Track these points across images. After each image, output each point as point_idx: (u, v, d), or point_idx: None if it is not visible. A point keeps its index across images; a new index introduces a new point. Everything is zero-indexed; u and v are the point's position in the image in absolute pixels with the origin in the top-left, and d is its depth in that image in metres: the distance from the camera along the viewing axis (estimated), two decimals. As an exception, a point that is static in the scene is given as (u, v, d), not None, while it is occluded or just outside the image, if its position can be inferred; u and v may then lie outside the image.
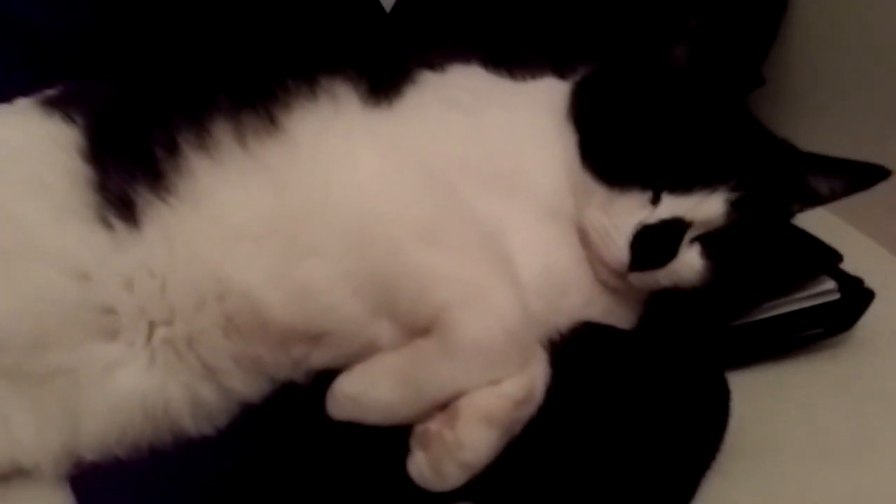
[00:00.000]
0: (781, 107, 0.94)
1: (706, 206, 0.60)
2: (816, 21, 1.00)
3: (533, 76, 0.74)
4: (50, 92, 0.66)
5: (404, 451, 0.53)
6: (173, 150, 0.58)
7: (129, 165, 0.57)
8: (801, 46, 1.01)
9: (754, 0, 1.02)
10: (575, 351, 0.59)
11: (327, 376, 0.57)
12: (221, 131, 0.59)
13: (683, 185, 0.60)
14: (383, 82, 0.64)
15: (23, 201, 0.55)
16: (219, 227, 0.57)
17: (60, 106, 0.62)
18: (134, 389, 0.56)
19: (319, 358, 0.58)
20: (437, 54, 0.79)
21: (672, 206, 0.60)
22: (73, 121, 0.60)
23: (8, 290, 0.53)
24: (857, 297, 0.70)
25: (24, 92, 0.68)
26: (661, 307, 0.65)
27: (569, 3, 1.00)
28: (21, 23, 0.86)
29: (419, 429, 0.52)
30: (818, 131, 0.83)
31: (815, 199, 0.66)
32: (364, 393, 0.54)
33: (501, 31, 1.02)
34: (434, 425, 0.51)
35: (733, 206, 0.60)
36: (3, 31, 0.86)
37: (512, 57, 0.82)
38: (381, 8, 1.06)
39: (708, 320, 0.66)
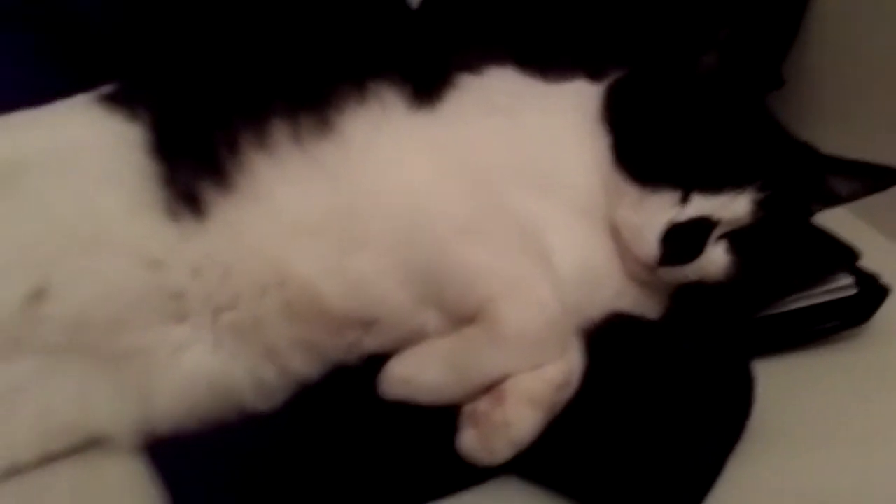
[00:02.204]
0: (800, 107, 0.97)
1: (733, 206, 0.63)
2: (835, 23, 1.02)
3: (562, 75, 0.78)
4: (105, 89, 0.69)
5: (451, 429, 0.58)
6: (235, 148, 0.62)
7: (194, 163, 0.61)
8: (819, 48, 1.03)
9: (775, 2, 1.06)
10: (607, 339, 0.63)
11: (378, 359, 0.61)
12: (279, 131, 0.63)
13: (712, 186, 0.63)
14: (426, 86, 0.68)
15: (98, 195, 0.59)
16: (277, 221, 0.61)
17: (121, 104, 0.65)
18: (201, 369, 0.60)
19: (371, 342, 0.62)
20: (466, 52, 0.83)
21: (701, 206, 0.63)
22: (136, 119, 0.64)
23: (88, 277, 0.57)
24: (872, 292, 0.73)
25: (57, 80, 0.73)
26: (687, 299, 0.69)
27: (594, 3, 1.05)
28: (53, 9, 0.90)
29: (468, 409, 0.57)
30: (836, 132, 0.85)
31: (835, 200, 0.69)
32: (415, 376, 0.58)
33: (526, 28, 1.06)
34: (483, 406, 0.56)
35: (758, 205, 0.63)
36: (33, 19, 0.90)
37: (538, 54, 0.86)
38: (407, 5, 1.10)
39: (733, 312, 0.69)
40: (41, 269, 0.57)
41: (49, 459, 0.57)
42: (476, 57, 0.76)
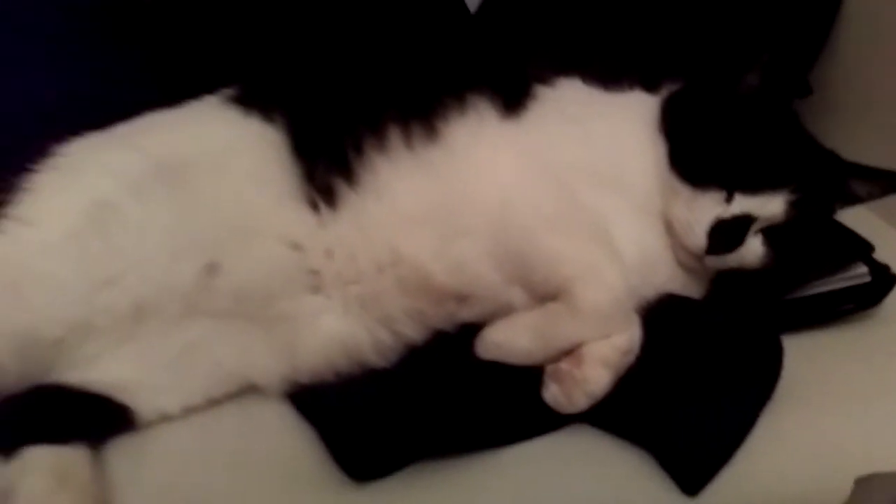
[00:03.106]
0: (826, 114, 1.06)
1: (770, 205, 0.74)
2: (861, 35, 1.10)
3: (620, 86, 0.89)
4: (229, 91, 0.81)
5: (534, 384, 0.70)
6: (360, 151, 0.75)
7: (328, 162, 0.74)
8: (845, 58, 1.12)
9: (805, 16, 1.14)
10: (661, 315, 0.75)
11: (471, 328, 0.74)
12: (395, 137, 0.75)
13: (752, 188, 0.74)
14: (513, 98, 0.80)
15: (253, 190, 0.72)
16: (393, 212, 0.74)
17: (255, 107, 0.77)
18: (333, 332, 0.73)
19: (466, 313, 0.75)
20: (538, 65, 0.94)
21: (742, 204, 0.74)
22: (272, 122, 0.76)
23: (248, 257, 0.71)
24: (884, 280, 0.82)
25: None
26: (726, 284, 0.80)
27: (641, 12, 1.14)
28: None
29: (551, 368, 0.69)
30: (860, 137, 0.95)
31: (854, 200, 0.80)
32: (508, 341, 0.71)
33: (580, 32, 1.16)
34: (564, 366, 0.68)
35: (791, 205, 0.74)
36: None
37: (589, 59, 0.97)
38: (466, 9, 1.18)
39: (765, 295, 0.80)
40: (212, 250, 0.70)
41: (214, 403, 0.71)
42: (548, 70, 0.89)
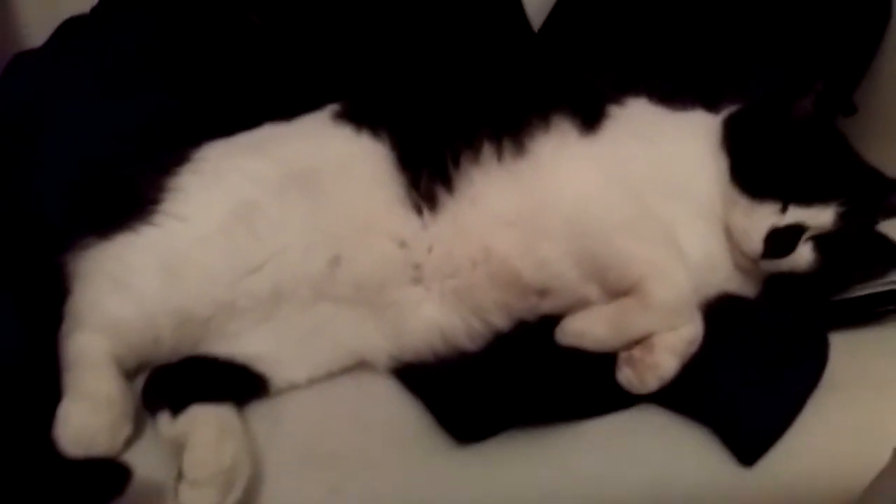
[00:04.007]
0: (870, 132, 1.12)
1: (821, 217, 0.82)
2: None
3: (683, 105, 0.99)
4: (335, 107, 0.92)
5: (609, 367, 0.80)
6: (457, 163, 0.86)
7: (430, 173, 0.85)
8: (890, 78, 1.20)
9: (852, 38, 1.20)
10: (720, 311, 0.84)
11: (550, 319, 0.84)
12: (488, 151, 0.86)
13: (805, 200, 0.83)
14: (590, 118, 0.90)
15: (369, 196, 0.84)
16: (486, 216, 0.85)
17: (364, 124, 0.88)
18: (432, 318, 0.84)
19: (546, 306, 0.85)
20: (609, 86, 1.04)
21: (795, 215, 0.83)
22: (379, 138, 0.87)
23: (364, 252, 0.83)
24: None
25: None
26: (777, 285, 0.89)
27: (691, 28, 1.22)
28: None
29: (624, 354, 0.79)
30: None
31: (895, 213, 0.89)
32: (586, 329, 0.81)
33: (637, 52, 1.26)
34: (637, 353, 0.78)
35: (839, 216, 0.83)
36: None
37: (646, 81, 1.06)
38: (530, 28, 1.27)
39: (813, 296, 0.88)
40: (337, 245, 0.82)
41: (333, 376, 0.83)
42: (618, 89, 0.99)
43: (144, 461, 0.69)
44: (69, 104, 0.98)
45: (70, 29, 1.18)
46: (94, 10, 1.20)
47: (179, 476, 0.67)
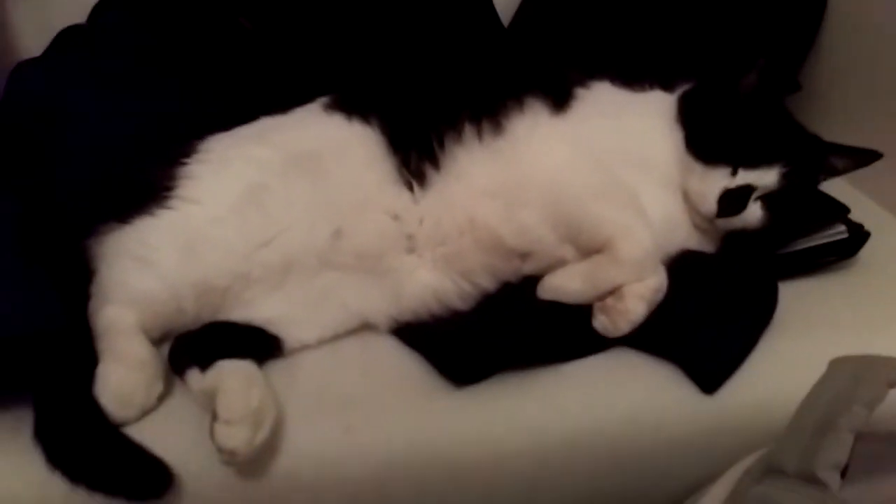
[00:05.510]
0: (813, 108, 1.22)
1: (767, 177, 0.92)
2: (846, 34, 1.27)
3: (642, 86, 1.09)
4: (324, 99, 1.02)
5: (586, 316, 0.90)
6: (442, 144, 0.95)
7: (419, 153, 0.95)
8: (831, 57, 1.29)
9: (794, 20, 1.30)
10: (681, 265, 0.95)
11: (531, 279, 0.95)
12: (470, 132, 0.96)
13: (752, 163, 0.92)
14: (560, 99, 1.00)
15: (364, 175, 0.93)
16: (470, 189, 0.95)
17: (354, 112, 0.97)
18: (426, 282, 0.94)
19: (527, 267, 0.95)
20: (576, 71, 1.14)
21: (744, 177, 0.92)
22: (370, 124, 0.96)
23: (363, 224, 0.92)
24: (858, 236, 0.99)
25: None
26: (732, 241, 0.99)
27: (659, 22, 1.31)
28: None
29: (598, 304, 0.89)
30: (840, 125, 1.11)
31: (833, 172, 0.99)
32: (564, 285, 0.91)
33: (599, 43, 1.34)
34: (610, 301, 0.88)
35: (783, 176, 0.92)
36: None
37: (610, 67, 1.16)
38: (500, 23, 1.36)
39: (764, 249, 0.98)
40: (338, 219, 0.91)
41: (339, 337, 0.92)
42: (583, 74, 1.09)
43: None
44: (80, 105, 1.06)
45: (68, 37, 1.25)
46: (90, 19, 1.28)
47: (215, 417, 0.75)
